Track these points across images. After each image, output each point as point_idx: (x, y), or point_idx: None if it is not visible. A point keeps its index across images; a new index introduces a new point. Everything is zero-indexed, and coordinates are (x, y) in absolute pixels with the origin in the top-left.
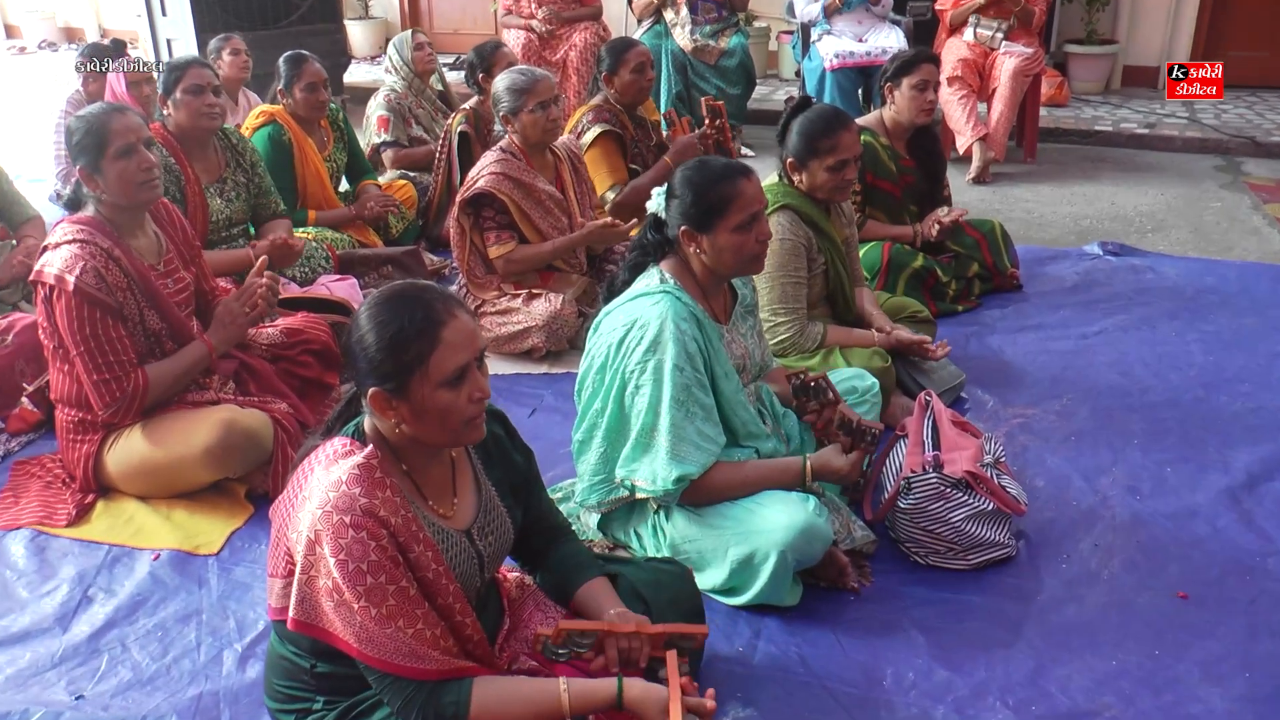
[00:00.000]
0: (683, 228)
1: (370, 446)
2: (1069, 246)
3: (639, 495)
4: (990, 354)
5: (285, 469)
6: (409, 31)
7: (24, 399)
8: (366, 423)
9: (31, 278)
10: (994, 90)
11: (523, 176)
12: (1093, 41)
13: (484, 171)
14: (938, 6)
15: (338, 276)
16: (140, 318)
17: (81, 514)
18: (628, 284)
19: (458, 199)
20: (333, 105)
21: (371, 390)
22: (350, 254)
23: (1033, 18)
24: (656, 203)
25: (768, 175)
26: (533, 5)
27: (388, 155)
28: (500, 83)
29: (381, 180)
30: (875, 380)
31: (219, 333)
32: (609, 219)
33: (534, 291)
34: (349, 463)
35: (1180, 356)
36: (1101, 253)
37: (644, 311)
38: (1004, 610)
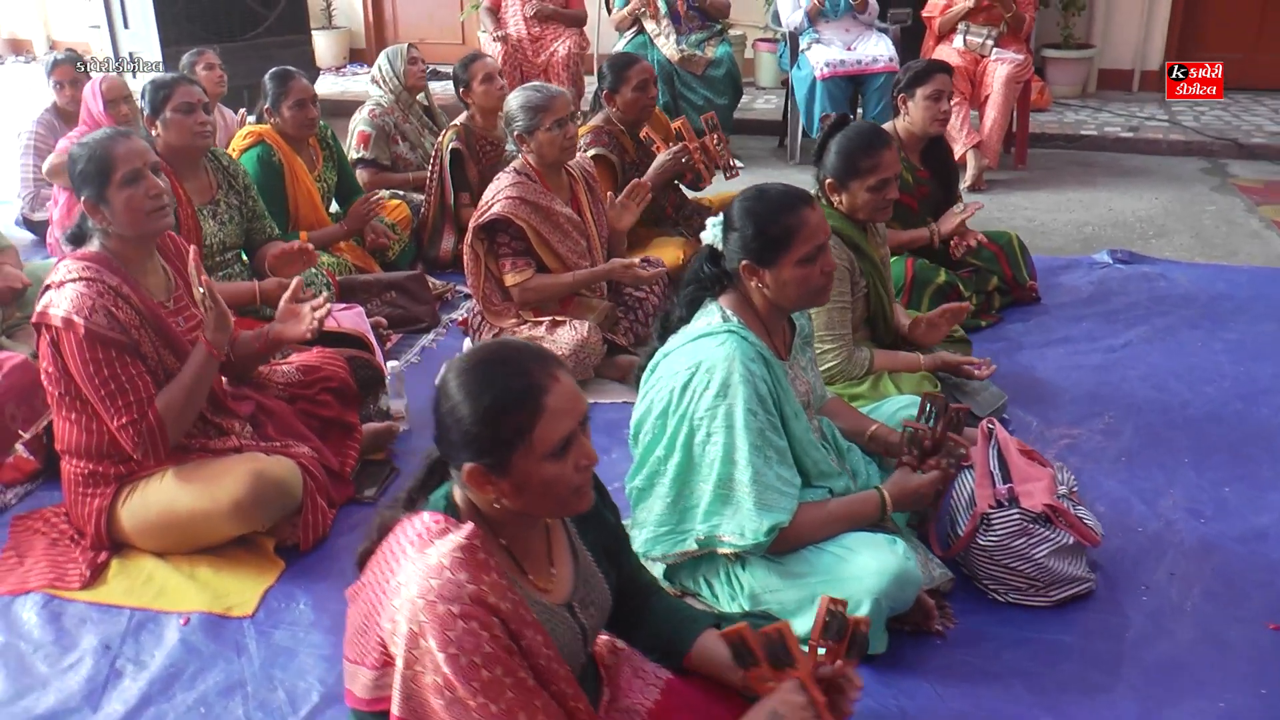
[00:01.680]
0: (744, 262)
1: (470, 525)
2: (1077, 255)
3: (724, 550)
4: (1022, 371)
5: (315, 518)
6: (403, 45)
7: (19, 446)
8: (457, 493)
9: (34, 319)
10: (986, 97)
11: (540, 200)
12: (1069, 46)
13: (499, 195)
14: (924, 14)
15: (343, 305)
16: (158, 358)
17: (96, 574)
18: (684, 320)
19: (471, 224)
20: (321, 122)
21: (468, 467)
22: (352, 280)
23: (1023, 24)
24: (713, 234)
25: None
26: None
27: (363, 175)
28: (514, 100)
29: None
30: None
31: (210, 331)
32: (632, 260)
33: (557, 319)
34: (448, 544)
35: (1210, 368)
36: (1111, 261)
37: (709, 353)
38: (1096, 650)
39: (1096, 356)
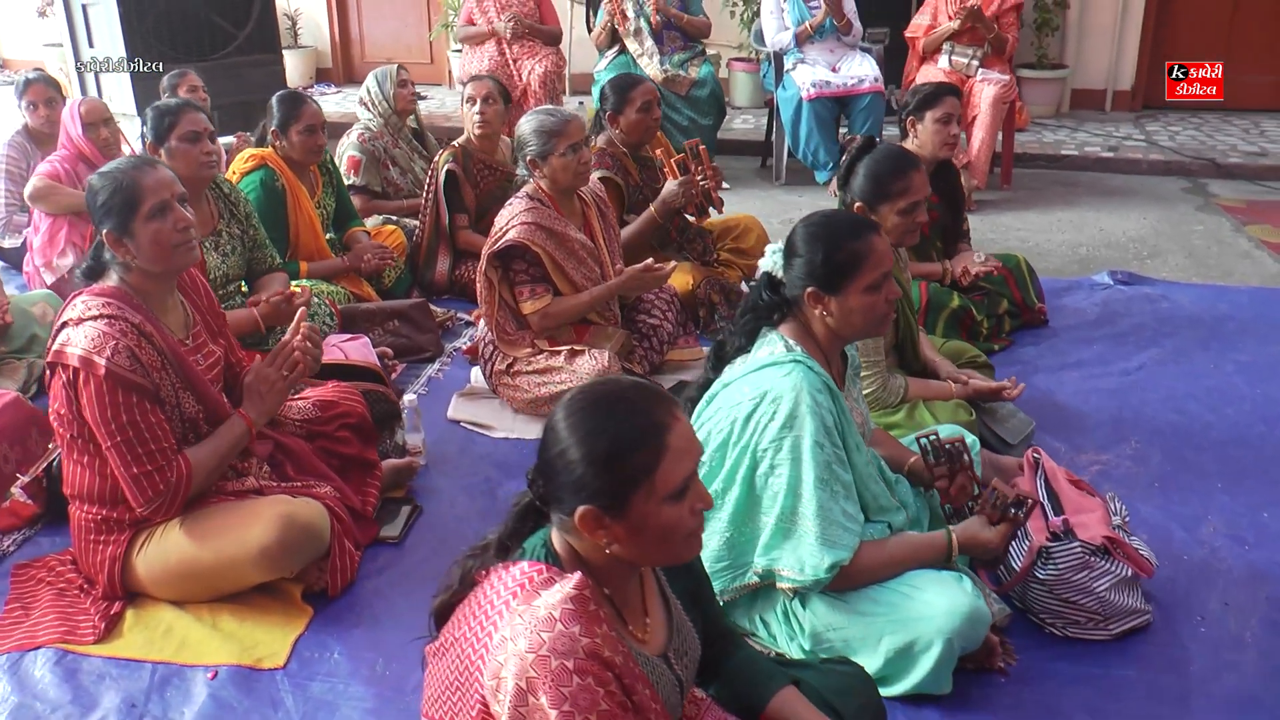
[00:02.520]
0: (809, 289)
1: (579, 574)
2: (1076, 276)
3: (783, 585)
4: (1041, 396)
5: (343, 562)
6: (392, 67)
7: (16, 489)
8: (557, 540)
9: (49, 358)
10: (974, 118)
11: (555, 225)
12: (1044, 66)
13: (513, 221)
14: (907, 34)
15: (348, 336)
16: (176, 400)
17: (110, 627)
18: (742, 350)
19: (485, 252)
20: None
21: (581, 510)
22: (353, 309)
23: (1006, 45)
24: (771, 261)
25: (744, 204)
26: (494, 11)
27: (355, 201)
28: (526, 125)
29: (368, 225)
30: (976, 438)
31: (255, 405)
32: (648, 261)
33: (575, 348)
34: (557, 595)
35: (1228, 390)
36: (1112, 282)
37: (775, 383)
38: (1161, 685)
39: (1112, 380)
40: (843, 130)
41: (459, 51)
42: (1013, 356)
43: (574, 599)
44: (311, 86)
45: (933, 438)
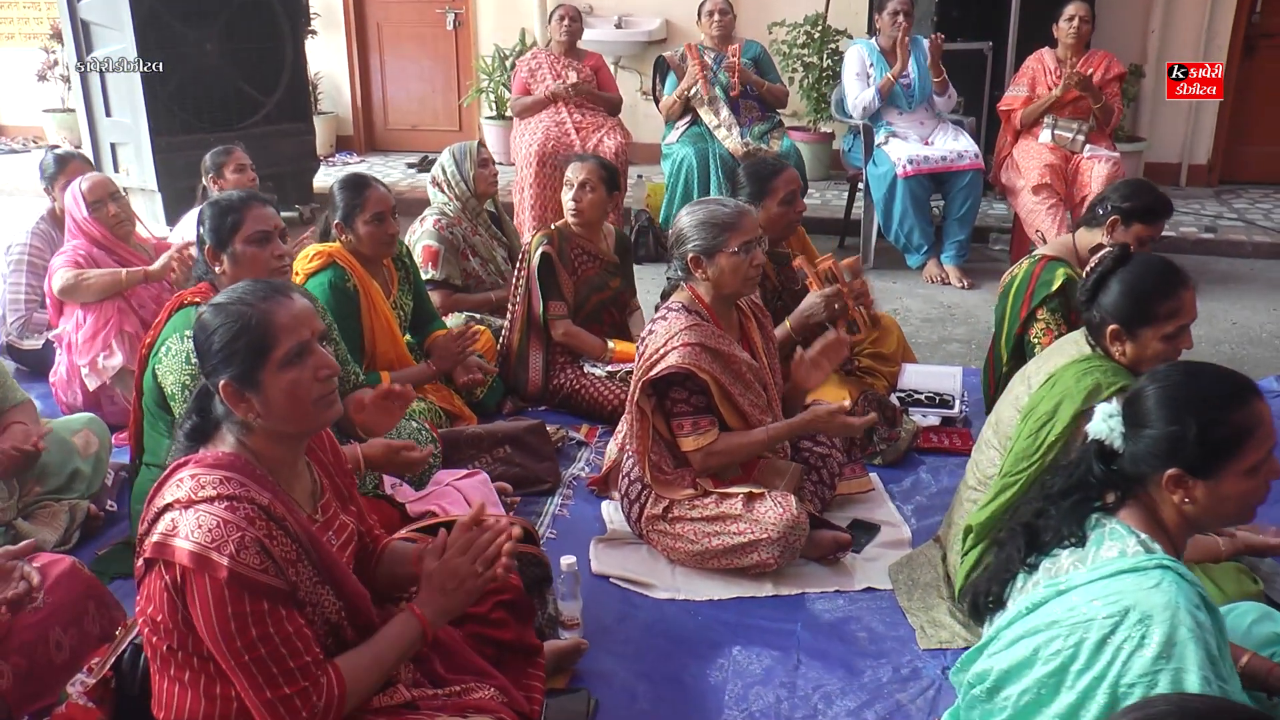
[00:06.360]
0: (1171, 471)
1: None
2: None
3: None
4: None
5: None
6: (472, 143)
7: (73, 690)
8: None
9: (147, 553)
10: (1083, 198)
11: (720, 345)
12: (1120, 139)
13: (673, 342)
14: (1001, 107)
15: (463, 472)
16: (316, 600)
17: None
18: (1068, 541)
19: (636, 380)
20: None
21: None
22: (455, 434)
23: (1112, 116)
24: (1107, 427)
25: None
26: (550, 79)
27: (434, 299)
28: (688, 216)
29: (449, 324)
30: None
31: (436, 601)
32: (841, 403)
33: (753, 492)
34: None
35: None
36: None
37: (1141, 598)
38: None
39: None
40: (934, 209)
41: (494, 119)
42: None
43: None
44: (334, 155)
45: None
